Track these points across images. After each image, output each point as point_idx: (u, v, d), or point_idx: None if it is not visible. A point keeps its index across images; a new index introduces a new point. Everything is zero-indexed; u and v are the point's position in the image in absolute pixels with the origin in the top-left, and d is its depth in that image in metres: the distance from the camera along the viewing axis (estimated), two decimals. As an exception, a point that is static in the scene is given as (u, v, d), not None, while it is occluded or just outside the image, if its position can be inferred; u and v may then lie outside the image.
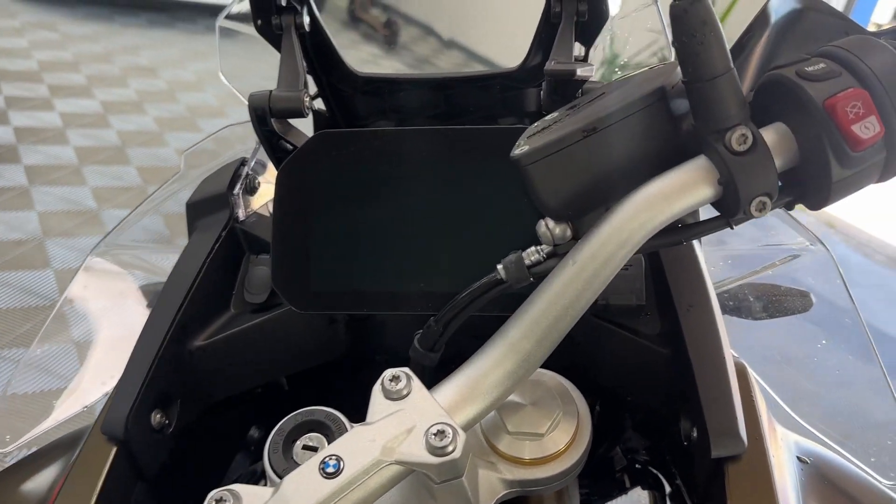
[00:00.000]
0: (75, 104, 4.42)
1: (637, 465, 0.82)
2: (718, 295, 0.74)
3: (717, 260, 0.99)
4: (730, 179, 0.46)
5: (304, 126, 0.94)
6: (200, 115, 4.56)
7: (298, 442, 0.55)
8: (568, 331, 0.52)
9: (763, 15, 0.59)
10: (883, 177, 0.47)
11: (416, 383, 0.50)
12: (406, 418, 0.49)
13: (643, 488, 0.86)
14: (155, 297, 0.87)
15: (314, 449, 0.53)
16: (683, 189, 0.47)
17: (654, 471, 0.80)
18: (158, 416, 0.61)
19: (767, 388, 0.70)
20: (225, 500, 0.46)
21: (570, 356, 0.64)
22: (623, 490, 0.85)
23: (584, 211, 0.51)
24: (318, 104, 0.88)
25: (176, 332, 0.63)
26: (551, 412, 0.59)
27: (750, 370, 0.63)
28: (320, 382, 0.77)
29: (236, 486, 0.47)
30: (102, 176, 3.67)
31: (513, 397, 0.59)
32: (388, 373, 0.50)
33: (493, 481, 0.56)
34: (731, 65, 0.45)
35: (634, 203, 0.48)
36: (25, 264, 2.90)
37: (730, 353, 0.61)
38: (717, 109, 0.46)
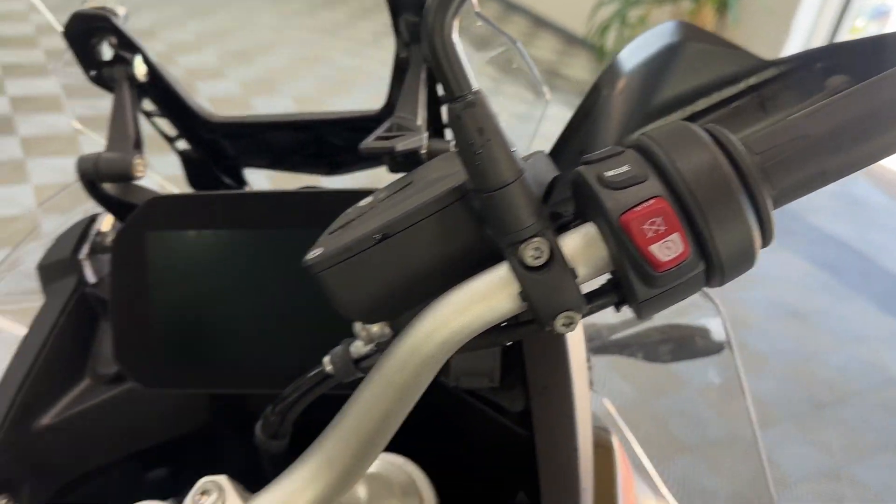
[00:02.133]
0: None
1: None
2: (626, 338, 0.69)
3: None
4: (527, 295, 0.42)
5: (173, 165, 0.90)
6: (199, 77, 4.52)
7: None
8: (389, 439, 0.48)
9: (599, 87, 0.54)
10: (711, 284, 0.42)
11: (231, 497, 0.47)
12: None
13: None
14: None
15: None
16: (483, 302, 0.42)
17: None
18: (4, 501, 0.60)
19: (643, 458, 0.67)
20: None
21: (432, 427, 0.61)
22: None
23: (396, 312, 0.47)
24: (184, 143, 0.84)
25: (19, 411, 0.61)
26: None
27: (618, 442, 0.60)
28: (189, 451, 0.75)
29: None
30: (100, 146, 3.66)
31: (354, 492, 0.56)
32: (199, 484, 0.48)
33: None
34: (521, 173, 0.40)
35: (433, 318, 0.43)
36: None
37: (588, 434, 0.57)
38: (508, 220, 0.40)
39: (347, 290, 0.45)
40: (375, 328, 0.47)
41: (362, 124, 0.76)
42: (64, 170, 3.39)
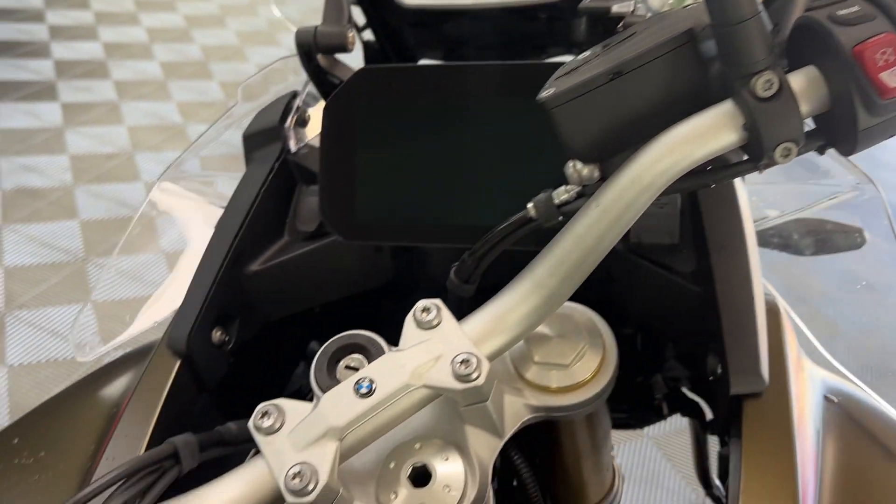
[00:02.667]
0: (160, 18, 4.52)
1: (677, 394, 0.84)
2: (764, 231, 0.74)
3: (765, 195, 0.98)
4: (754, 125, 0.46)
5: (355, 57, 0.96)
6: (279, 28, 4.60)
7: (342, 362, 0.60)
8: (592, 269, 0.53)
9: None
10: None
11: (446, 314, 0.54)
12: (434, 347, 0.52)
13: (682, 415, 0.88)
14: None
15: (355, 369, 0.58)
16: (707, 134, 0.47)
17: (694, 399, 0.82)
18: (219, 333, 0.67)
19: (803, 327, 0.71)
20: (270, 414, 0.51)
21: (605, 290, 0.66)
22: (661, 416, 0.88)
23: (611, 153, 0.52)
24: (369, 35, 0.90)
25: (233, 257, 0.68)
26: (577, 344, 0.61)
27: (784, 309, 0.64)
28: (371, 305, 0.82)
29: (281, 401, 0.52)
30: (187, 91, 3.78)
31: (541, 329, 0.61)
32: (421, 304, 0.54)
33: (519, 407, 0.59)
34: (759, 8, 0.45)
35: (658, 148, 0.49)
36: (117, 177, 3.05)
37: (761, 293, 0.62)
38: (743, 54, 0.45)
39: (575, 127, 0.51)
40: (586, 170, 0.53)
41: (546, 12, 0.81)
42: (155, 113, 3.52)
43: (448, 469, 0.55)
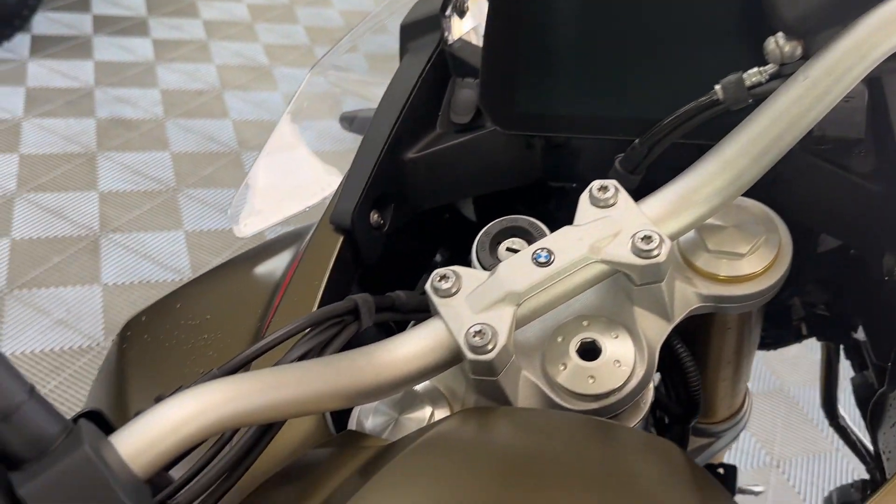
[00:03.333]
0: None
1: (815, 316, 0.82)
2: None
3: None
4: None
5: None
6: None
7: (503, 244, 0.61)
8: (786, 150, 0.52)
9: None
10: None
11: (623, 194, 0.54)
12: (613, 224, 0.52)
13: (819, 339, 0.86)
14: (362, 120, 0.95)
15: (516, 251, 0.59)
16: None
17: (835, 322, 0.81)
18: (375, 215, 0.69)
19: None
20: (448, 277, 0.52)
21: (772, 191, 0.64)
22: (799, 337, 0.86)
23: (821, 27, 0.50)
24: None
25: (392, 143, 0.69)
26: (753, 236, 0.60)
27: None
28: (509, 209, 0.82)
29: (457, 267, 0.53)
30: (273, 34, 3.82)
31: (714, 219, 0.61)
32: (597, 183, 0.54)
33: (689, 294, 0.58)
34: None
35: (879, 16, 0.47)
36: (206, 113, 3.11)
37: None
38: None
39: None
40: (788, 47, 0.51)
41: None
42: (242, 54, 3.57)
43: (617, 346, 0.55)
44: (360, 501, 0.41)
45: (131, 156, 2.79)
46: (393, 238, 0.72)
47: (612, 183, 0.54)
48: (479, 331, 0.50)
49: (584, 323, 0.56)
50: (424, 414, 0.57)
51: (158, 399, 0.43)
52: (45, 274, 2.27)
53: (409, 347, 0.51)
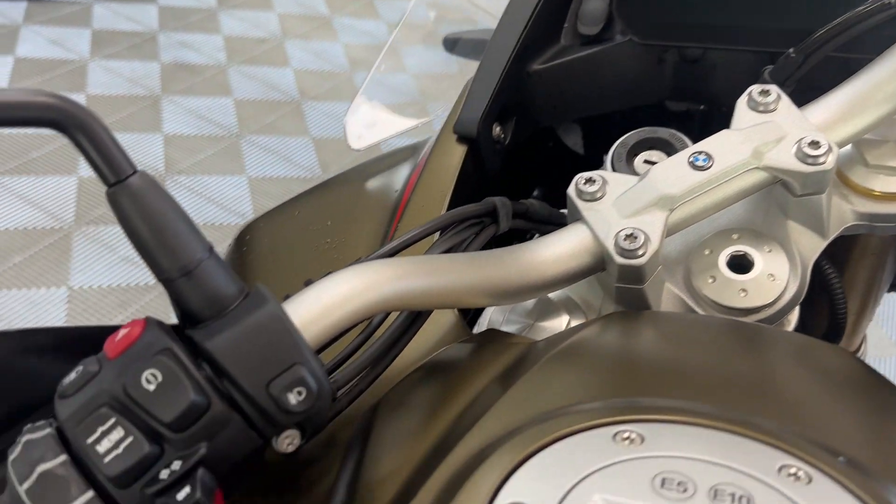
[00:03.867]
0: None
1: None
2: None
3: None
4: None
5: None
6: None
7: (640, 156, 0.58)
8: None
9: None
10: None
11: (786, 99, 0.51)
12: (776, 129, 0.49)
13: None
14: (465, 42, 0.92)
15: (654, 164, 0.56)
16: None
17: None
18: (498, 128, 0.67)
19: None
20: (595, 181, 0.50)
21: None
22: None
23: None
24: None
25: (518, 53, 0.67)
26: None
27: None
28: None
29: (602, 171, 0.51)
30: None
31: (872, 133, 0.57)
32: (756, 87, 0.51)
33: (844, 210, 0.56)
34: None
35: None
36: (268, 61, 3.11)
37: None
38: None
39: None
40: None
41: None
42: (303, 3, 3.55)
43: (770, 260, 0.52)
44: (512, 398, 0.40)
45: (195, 100, 2.79)
46: (512, 153, 0.70)
47: (773, 87, 0.51)
48: (631, 234, 0.47)
49: (734, 236, 0.54)
50: (561, 322, 0.55)
51: (308, 283, 0.41)
52: (110, 213, 2.29)
53: (553, 251, 0.49)
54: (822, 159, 0.48)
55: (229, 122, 2.73)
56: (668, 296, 0.53)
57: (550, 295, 0.56)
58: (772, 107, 0.51)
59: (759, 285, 0.51)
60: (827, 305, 0.67)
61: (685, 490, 0.31)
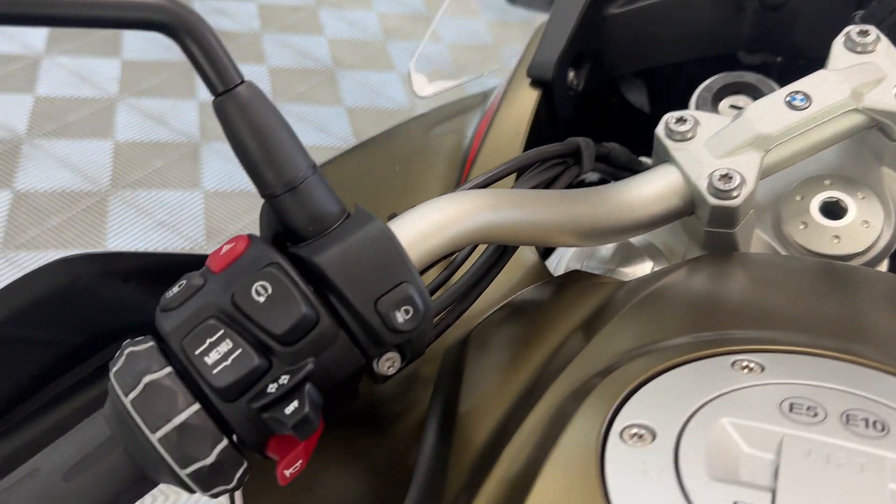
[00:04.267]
0: None
1: None
2: None
3: None
4: None
5: None
6: None
7: (725, 101, 0.57)
8: None
9: None
10: None
11: (885, 41, 0.49)
12: (876, 70, 0.48)
13: None
14: None
15: (740, 109, 0.55)
16: None
17: None
18: (572, 73, 0.65)
19: None
20: (686, 120, 0.49)
21: None
22: None
23: None
24: None
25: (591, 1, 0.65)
26: None
27: None
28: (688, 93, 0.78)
29: (692, 112, 0.49)
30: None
31: None
32: (854, 27, 0.49)
33: None
34: None
35: None
36: (302, 29, 3.09)
37: None
38: None
39: None
40: None
41: None
42: (404, 3, 3.50)
43: (864, 206, 0.51)
44: (613, 332, 0.39)
45: (229, 67, 2.79)
46: (585, 100, 0.68)
47: (871, 28, 0.49)
48: (726, 174, 0.46)
49: (826, 182, 0.52)
50: (644, 268, 0.54)
51: (391, 217, 0.40)
52: (148, 177, 2.30)
53: (642, 192, 0.48)
54: None
55: (264, 89, 2.71)
56: (756, 242, 0.52)
57: (632, 240, 0.55)
58: (870, 48, 0.49)
59: (852, 232, 0.50)
60: None
61: (815, 415, 0.30)
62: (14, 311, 0.45)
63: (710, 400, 0.31)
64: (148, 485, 0.33)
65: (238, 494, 0.46)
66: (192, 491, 0.33)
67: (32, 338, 0.47)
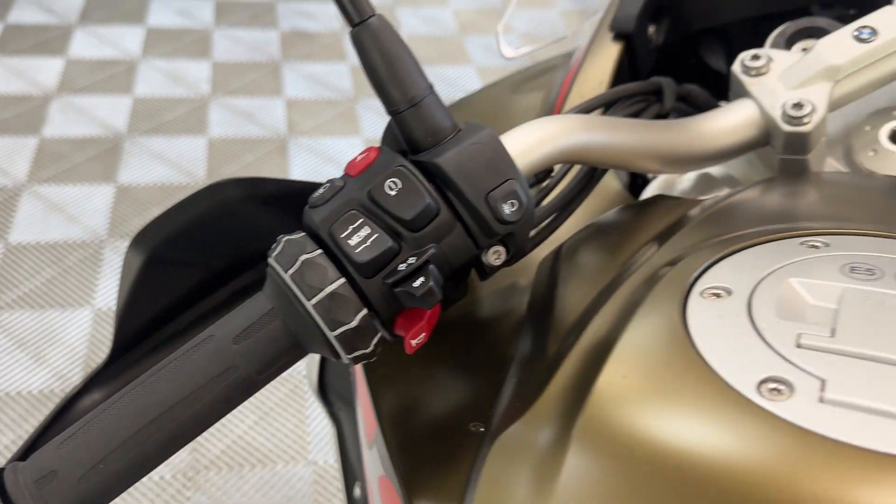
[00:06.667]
0: None
1: None
2: None
3: None
4: None
5: None
6: None
7: (798, 44, 0.60)
8: None
9: None
10: None
11: None
12: None
13: None
14: None
15: None
16: None
17: None
18: (652, 28, 0.70)
19: None
20: (760, 56, 0.53)
21: None
22: None
23: None
24: None
25: None
26: None
27: None
28: None
29: (766, 49, 0.54)
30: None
31: None
32: None
33: None
34: None
35: None
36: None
37: None
38: None
39: None
40: None
41: None
42: None
43: None
44: (687, 234, 0.43)
45: (313, 66, 2.90)
46: (662, 54, 0.72)
47: None
48: (798, 102, 0.50)
49: (895, 112, 0.56)
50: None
51: None
52: (240, 171, 2.42)
53: (720, 123, 0.53)
54: None
55: (345, 86, 2.83)
56: (827, 170, 0.55)
57: (711, 171, 0.59)
58: None
59: None
60: None
61: (873, 274, 0.34)
62: (170, 234, 0.53)
63: (780, 267, 0.36)
64: (300, 352, 0.40)
65: (362, 377, 0.52)
66: (336, 357, 0.40)
67: (182, 260, 0.55)
